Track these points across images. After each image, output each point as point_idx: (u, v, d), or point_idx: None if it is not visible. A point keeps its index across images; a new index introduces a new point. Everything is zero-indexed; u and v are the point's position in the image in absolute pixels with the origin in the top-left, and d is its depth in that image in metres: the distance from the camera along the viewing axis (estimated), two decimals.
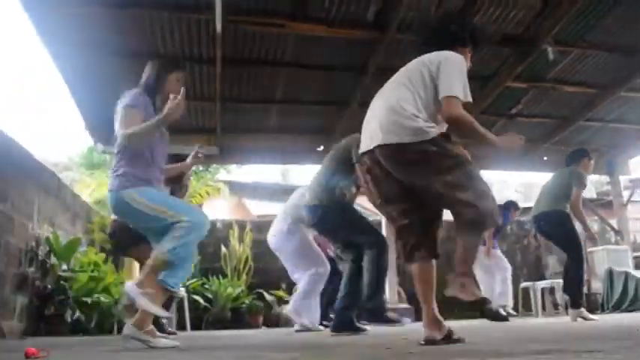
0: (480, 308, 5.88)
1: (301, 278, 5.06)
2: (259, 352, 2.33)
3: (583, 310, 4.98)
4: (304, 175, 15.86)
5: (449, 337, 2.28)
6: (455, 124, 2.40)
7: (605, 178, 10.85)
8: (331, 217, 4.05)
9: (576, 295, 5.03)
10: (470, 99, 2.42)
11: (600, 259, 8.39)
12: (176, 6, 5.10)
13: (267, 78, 6.42)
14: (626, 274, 7.59)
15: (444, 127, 2.48)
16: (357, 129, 8.66)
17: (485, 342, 2.41)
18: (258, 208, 13.64)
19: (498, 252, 6.91)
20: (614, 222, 9.49)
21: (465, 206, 2.26)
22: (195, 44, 5.69)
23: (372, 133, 2.44)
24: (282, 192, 10.90)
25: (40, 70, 48.39)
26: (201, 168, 12.63)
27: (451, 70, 2.42)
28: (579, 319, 4.86)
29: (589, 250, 8.80)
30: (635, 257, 8.72)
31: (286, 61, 6.06)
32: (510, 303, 6.76)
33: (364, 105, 7.72)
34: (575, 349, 1.81)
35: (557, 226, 5.15)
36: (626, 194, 9.76)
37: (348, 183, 4.15)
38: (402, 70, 2.59)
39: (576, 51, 6.28)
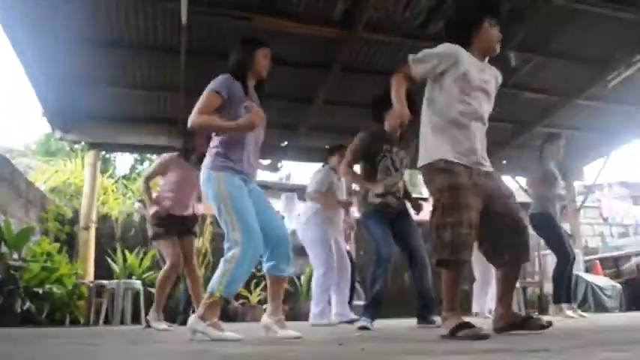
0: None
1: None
2: (217, 347, 2.32)
3: (563, 306, 5.26)
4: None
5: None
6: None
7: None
8: None
9: (554, 292, 5.35)
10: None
11: (553, 262, 8.60)
12: None
13: None
14: (577, 277, 7.83)
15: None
16: (322, 125, 8.72)
17: (436, 340, 2.44)
18: None
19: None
20: (567, 226, 9.77)
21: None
22: (160, 33, 5.60)
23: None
24: None
25: None
26: None
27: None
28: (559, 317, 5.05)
29: (542, 252, 9.05)
30: (586, 261, 9.01)
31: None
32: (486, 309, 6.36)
33: (329, 102, 7.83)
34: (524, 347, 1.85)
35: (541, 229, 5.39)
36: (579, 200, 10.06)
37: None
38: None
39: (538, 58, 6.44)
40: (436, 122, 2.66)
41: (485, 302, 6.26)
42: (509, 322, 2.72)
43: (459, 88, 2.63)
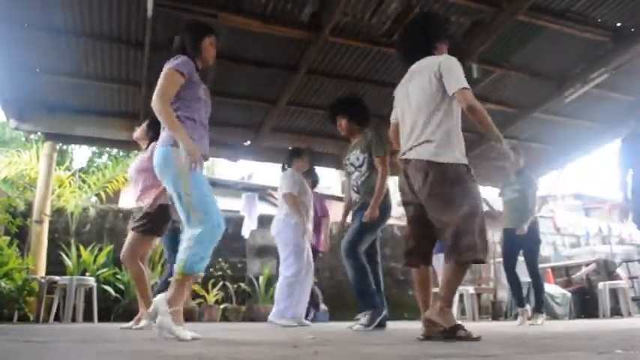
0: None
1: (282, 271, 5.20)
2: (162, 346, 2.29)
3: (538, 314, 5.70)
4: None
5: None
6: (472, 113, 2.76)
7: None
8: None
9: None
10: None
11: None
12: None
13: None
14: (529, 285, 8.04)
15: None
16: (285, 126, 8.74)
17: (391, 344, 2.48)
18: None
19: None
20: None
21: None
22: (124, 26, 5.49)
23: None
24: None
25: None
26: (121, 153, 12.19)
27: (455, 66, 2.85)
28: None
29: (497, 260, 9.28)
30: (539, 269, 9.25)
31: (217, 53, 5.95)
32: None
33: (293, 103, 7.83)
34: (474, 354, 1.89)
35: None
36: None
37: None
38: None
39: (499, 71, 6.60)
40: (456, 126, 2.86)
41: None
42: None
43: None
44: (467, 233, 2.64)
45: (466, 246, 2.63)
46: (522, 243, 5.74)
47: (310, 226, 5.41)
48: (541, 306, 5.78)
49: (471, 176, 2.78)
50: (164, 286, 4.01)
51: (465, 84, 2.77)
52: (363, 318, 4.23)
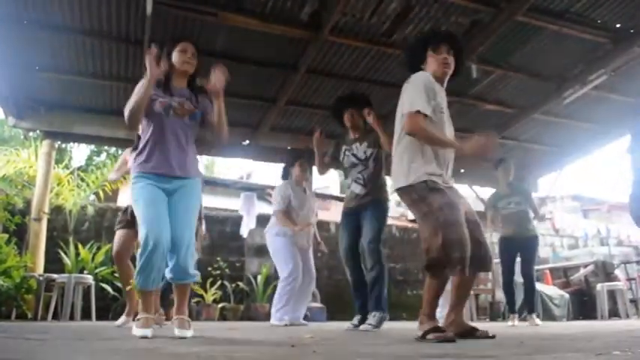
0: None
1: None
2: (160, 344, 2.29)
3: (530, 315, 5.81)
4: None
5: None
6: (415, 137, 2.78)
7: None
8: None
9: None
10: (427, 112, 2.75)
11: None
12: None
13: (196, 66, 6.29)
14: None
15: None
16: (285, 126, 8.73)
17: (386, 345, 2.48)
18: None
19: None
20: None
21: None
22: (124, 23, 5.48)
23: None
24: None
25: None
26: (120, 151, 12.15)
27: (411, 89, 2.81)
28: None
29: (496, 261, 9.27)
30: (537, 270, 9.24)
31: (217, 51, 5.96)
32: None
33: (292, 103, 7.82)
34: (472, 354, 1.89)
35: None
36: None
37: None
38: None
39: (498, 72, 6.60)
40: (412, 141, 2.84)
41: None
42: (458, 331, 2.80)
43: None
44: (430, 250, 2.67)
45: (430, 263, 2.67)
46: (521, 247, 5.86)
47: (313, 229, 5.50)
48: (533, 307, 5.89)
49: (431, 190, 2.74)
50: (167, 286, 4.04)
51: (414, 107, 2.75)
52: (372, 318, 4.24)
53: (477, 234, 2.81)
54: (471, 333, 2.83)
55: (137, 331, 2.73)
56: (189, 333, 2.83)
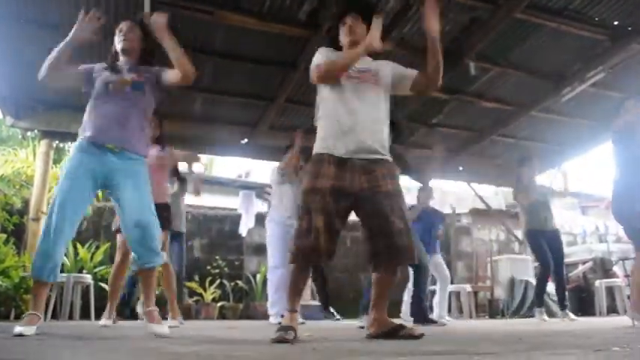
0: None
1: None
2: (160, 343, 2.28)
3: (540, 309, 5.98)
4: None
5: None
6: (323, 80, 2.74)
7: None
8: None
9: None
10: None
11: (503, 267, 8.85)
12: None
13: (195, 65, 6.26)
14: (526, 283, 8.07)
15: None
16: (283, 124, 8.70)
17: (389, 340, 2.48)
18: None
19: (439, 258, 6.36)
20: (519, 233, 10.06)
21: None
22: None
23: None
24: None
25: None
26: None
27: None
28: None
29: (494, 258, 9.29)
30: (536, 267, 9.27)
31: (215, 50, 5.95)
32: (445, 313, 6.41)
33: (291, 101, 7.80)
34: (472, 351, 1.90)
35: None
36: None
37: None
38: None
39: (496, 69, 6.59)
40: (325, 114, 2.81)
41: (444, 307, 6.37)
42: (382, 329, 2.67)
43: None
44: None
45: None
46: (550, 243, 6.00)
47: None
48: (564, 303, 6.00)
49: (310, 166, 2.73)
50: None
51: (312, 64, 2.77)
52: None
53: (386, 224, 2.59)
54: (395, 332, 2.62)
55: (17, 329, 2.60)
56: (166, 328, 2.80)
